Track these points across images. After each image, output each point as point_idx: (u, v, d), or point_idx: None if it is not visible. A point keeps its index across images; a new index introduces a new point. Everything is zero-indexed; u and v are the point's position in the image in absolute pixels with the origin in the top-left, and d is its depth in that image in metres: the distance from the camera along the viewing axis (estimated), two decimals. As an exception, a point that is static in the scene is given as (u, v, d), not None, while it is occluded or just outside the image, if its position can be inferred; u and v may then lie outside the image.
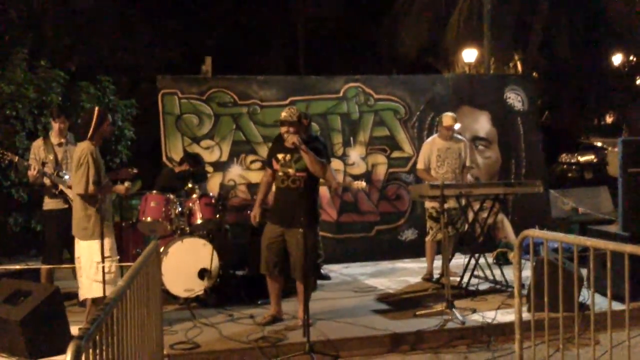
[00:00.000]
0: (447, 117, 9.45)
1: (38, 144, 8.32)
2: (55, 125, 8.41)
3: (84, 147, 6.84)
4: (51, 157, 8.20)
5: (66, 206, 8.01)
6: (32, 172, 8.01)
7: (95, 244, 6.71)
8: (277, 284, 7.38)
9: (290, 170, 7.09)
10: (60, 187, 8.08)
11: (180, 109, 10.84)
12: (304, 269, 6.80)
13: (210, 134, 10.92)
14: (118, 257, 6.98)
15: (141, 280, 4.08)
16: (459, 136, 9.64)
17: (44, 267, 8.13)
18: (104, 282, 6.56)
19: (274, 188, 7.47)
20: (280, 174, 7.17)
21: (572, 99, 28.87)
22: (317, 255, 9.22)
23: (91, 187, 6.69)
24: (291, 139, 6.97)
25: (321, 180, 8.55)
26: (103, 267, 6.56)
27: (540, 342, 5.36)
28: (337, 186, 9.53)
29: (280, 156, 7.18)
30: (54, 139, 8.37)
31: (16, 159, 8.27)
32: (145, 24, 23.24)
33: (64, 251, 8.31)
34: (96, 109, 7.17)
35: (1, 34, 15.68)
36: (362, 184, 9.25)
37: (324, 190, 10.58)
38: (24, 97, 12.33)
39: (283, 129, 7.12)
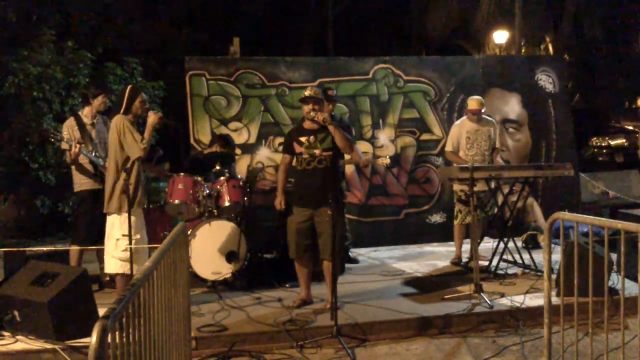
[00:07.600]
0: (473, 101, 9.35)
1: (71, 124, 8.22)
2: (96, 102, 8.35)
3: (118, 119, 6.95)
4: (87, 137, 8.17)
5: (100, 187, 7.96)
6: (74, 150, 7.90)
7: (117, 219, 6.73)
8: (306, 268, 7.38)
9: (317, 151, 7.10)
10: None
11: (208, 91, 10.81)
12: (334, 249, 6.77)
13: (238, 115, 10.87)
14: (138, 237, 6.83)
15: (168, 261, 4.05)
16: (488, 117, 9.54)
17: (73, 248, 8.13)
18: (131, 259, 6.65)
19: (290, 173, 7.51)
20: (305, 156, 7.15)
21: (603, 81, 28.51)
22: (345, 236, 9.18)
23: (143, 146, 6.81)
24: (321, 116, 7.01)
25: (347, 158, 8.52)
26: (129, 245, 6.62)
27: (569, 326, 5.33)
28: (366, 162, 9.55)
29: (303, 139, 7.18)
30: (87, 118, 8.31)
31: (65, 139, 8.17)
32: (172, 5, 23.20)
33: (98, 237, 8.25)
34: (129, 86, 7.25)
35: (28, 15, 15.69)
36: (387, 160, 9.24)
37: (352, 173, 10.56)
38: (51, 78, 12.36)
39: (307, 108, 7.15)
